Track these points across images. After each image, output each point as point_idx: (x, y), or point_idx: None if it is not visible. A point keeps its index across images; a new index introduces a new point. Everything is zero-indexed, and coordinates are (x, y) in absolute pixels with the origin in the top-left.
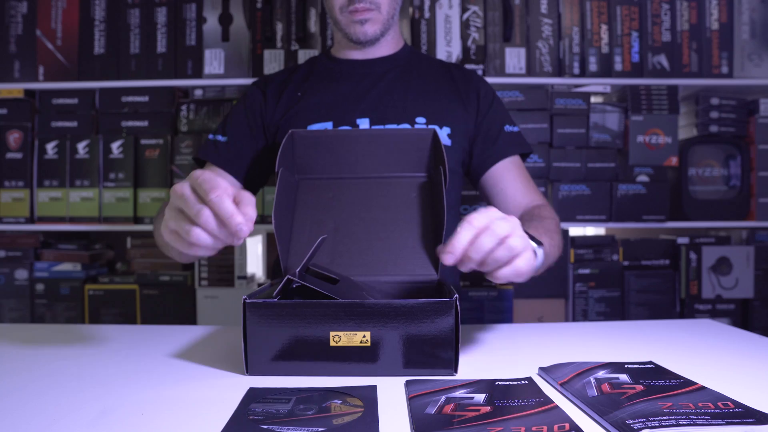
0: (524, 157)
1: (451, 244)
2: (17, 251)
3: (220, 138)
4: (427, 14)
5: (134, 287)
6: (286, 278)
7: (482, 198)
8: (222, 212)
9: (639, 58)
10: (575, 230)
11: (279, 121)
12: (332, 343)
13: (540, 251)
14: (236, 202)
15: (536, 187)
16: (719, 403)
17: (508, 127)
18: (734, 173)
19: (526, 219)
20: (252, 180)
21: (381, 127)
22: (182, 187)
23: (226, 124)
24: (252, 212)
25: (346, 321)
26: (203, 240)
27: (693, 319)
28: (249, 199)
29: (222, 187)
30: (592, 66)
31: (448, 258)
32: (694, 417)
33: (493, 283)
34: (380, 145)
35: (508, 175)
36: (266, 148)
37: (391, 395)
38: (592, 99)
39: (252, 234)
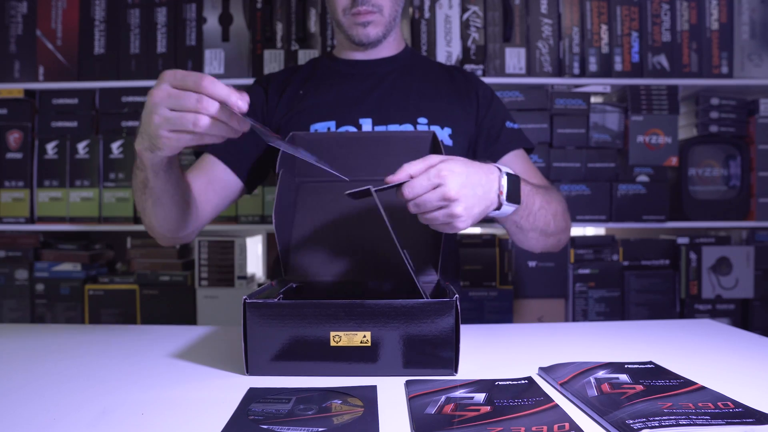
0: (528, 153)
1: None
2: (17, 251)
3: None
4: (427, 14)
5: (134, 287)
6: (366, 187)
7: None
8: (219, 94)
9: (639, 58)
10: (575, 230)
11: (280, 121)
12: (332, 343)
13: (507, 207)
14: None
15: (543, 177)
16: (719, 403)
17: (509, 124)
18: (734, 173)
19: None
20: (251, 176)
21: (382, 128)
22: (165, 89)
23: None
24: (244, 95)
25: (346, 321)
26: (208, 125)
27: (693, 319)
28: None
29: (208, 75)
30: (592, 66)
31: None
32: (694, 417)
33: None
34: (380, 148)
35: (514, 168)
36: (266, 147)
37: (391, 395)
38: (592, 99)
39: (252, 234)
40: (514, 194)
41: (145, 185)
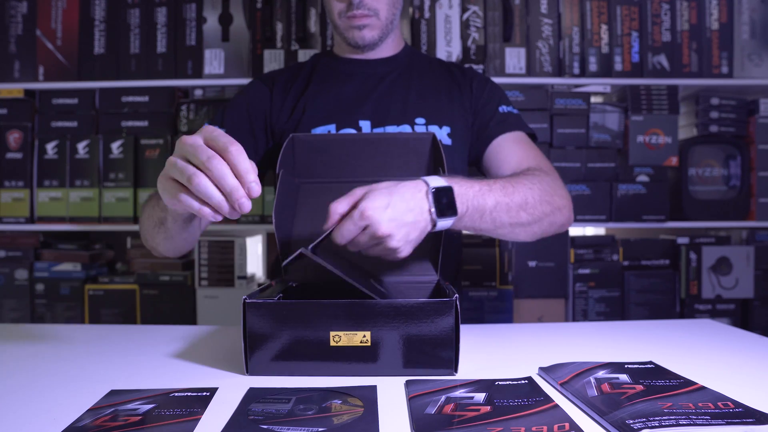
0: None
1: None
2: (17, 251)
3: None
4: (427, 14)
5: (134, 287)
6: (298, 252)
7: None
8: (240, 166)
9: (639, 58)
10: (575, 230)
11: (285, 124)
12: (332, 343)
13: (442, 222)
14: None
15: (542, 156)
16: (719, 403)
17: (502, 108)
18: (734, 173)
19: (505, 176)
20: None
21: (381, 130)
22: (194, 138)
23: (225, 116)
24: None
25: (346, 321)
26: (207, 190)
27: (693, 319)
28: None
29: (240, 145)
30: (592, 66)
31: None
32: (694, 417)
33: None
34: (380, 149)
35: (503, 151)
36: (267, 147)
37: (391, 395)
38: (592, 99)
39: (252, 234)
40: (448, 206)
41: (162, 223)
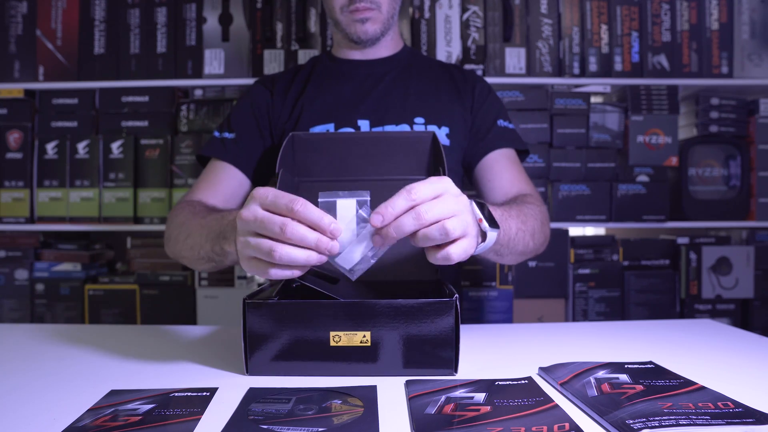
0: (522, 155)
1: (384, 206)
2: (17, 251)
3: (227, 135)
4: (427, 14)
5: (134, 287)
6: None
7: (476, 192)
8: (311, 217)
9: (639, 58)
10: (575, 230)
11: (285, 124)
12: (332, 343)
13: (492, 234)
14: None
15: (529, 180)
16: (719, 403)
17: (501, 122)
18: (734, 173)
19: (507, 202)
20: (259, 177)
21: (381, 129)
22: (253, 211)
23: (232, 121)
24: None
25: (346, 321)
26: (292, 257)
27: (693, 319)
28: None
29: (301, 198)
30: (592, 66)
31: (375, 219)
32: (694, 417)
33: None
34: (380, 148)
35: (498, 167)
36: (271, 148)
37: (391, 395)
38: (592, 99)
39: None
40: (490, 219)
41: (211, 260)
